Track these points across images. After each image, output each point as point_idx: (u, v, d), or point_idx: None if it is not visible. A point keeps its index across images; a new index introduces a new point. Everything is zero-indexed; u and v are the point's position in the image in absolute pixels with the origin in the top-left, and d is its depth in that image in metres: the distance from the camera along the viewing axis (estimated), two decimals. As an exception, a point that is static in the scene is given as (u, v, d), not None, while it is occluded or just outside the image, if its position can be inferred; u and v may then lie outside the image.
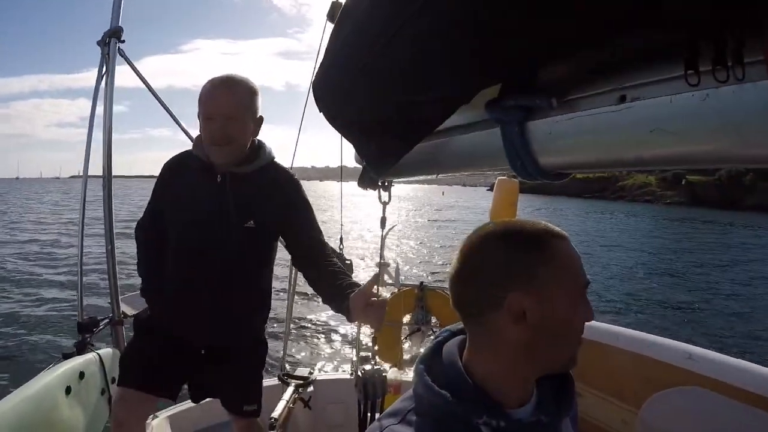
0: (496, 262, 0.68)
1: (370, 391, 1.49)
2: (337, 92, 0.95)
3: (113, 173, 2.14)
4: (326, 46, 0.93)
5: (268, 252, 1.70)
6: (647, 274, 14.17)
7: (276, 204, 1.60)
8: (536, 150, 0.71)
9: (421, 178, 1.11)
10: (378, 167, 0.98)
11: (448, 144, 0.90)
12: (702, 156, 0.54)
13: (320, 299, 1.68)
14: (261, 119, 1.63)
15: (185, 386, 1.78)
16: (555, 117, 0.66)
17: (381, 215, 1.30)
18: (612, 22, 0.53)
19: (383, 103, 0.86)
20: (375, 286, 1.38)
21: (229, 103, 1.50)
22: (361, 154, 1.04)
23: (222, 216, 1.57)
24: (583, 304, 0.71)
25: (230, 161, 1.57)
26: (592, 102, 0.62)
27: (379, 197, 1.26)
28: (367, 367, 1.51)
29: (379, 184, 1.20)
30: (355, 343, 2.96)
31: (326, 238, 1.70)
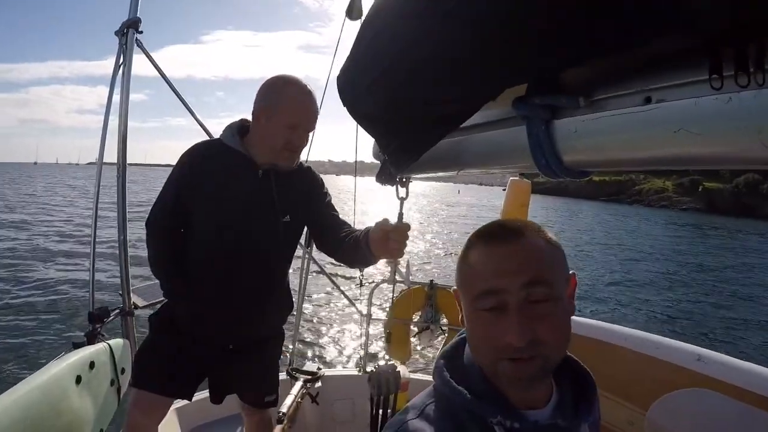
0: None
1: (383, 387, 1.53)
2: (361, 87, 0.98)
3: (131, 161, 2.19)
4: (354, 40, 0.96)
5: (296, 245, 1.75)
6: (660, 279, 14.15)
7: (306, 199, 1.68)
8: (562, 148, 0.74)
9: (440, 175, 1.14)
10: (399, 163, 1.01)
11: (471, 141, 0.93)
12: (723, 156, 0.57)
13: (342, 266, 1.70)
14: None
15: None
16: (581, 116, 0.69)
17: (398, 211, 1.32)
18: (644, 27, 0.56)
19: (408, 100, 0.89)
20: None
21: (314, 116, 1.59)
22: (383, 149, 1.07)
23: (265, 211, 1.59)
24: (477, 318, 0.72)
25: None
26: (618, 102, 0.65)
27: (397, 193, 1.29)
28: (381, 362, 1.54)
29: (398, 180, 1.23)
30: (363, 339, 3.00)
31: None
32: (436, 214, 33.81)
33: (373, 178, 1.27)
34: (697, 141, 0.57)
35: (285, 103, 1.54)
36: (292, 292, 1.85)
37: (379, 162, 1.28)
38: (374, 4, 0.89)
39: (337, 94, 1.06)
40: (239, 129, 1.64)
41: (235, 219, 1.60)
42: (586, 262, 15.94)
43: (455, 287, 0.80)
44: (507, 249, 0.72)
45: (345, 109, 1.05)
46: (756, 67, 0.49)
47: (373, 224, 1.39)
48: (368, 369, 2.92)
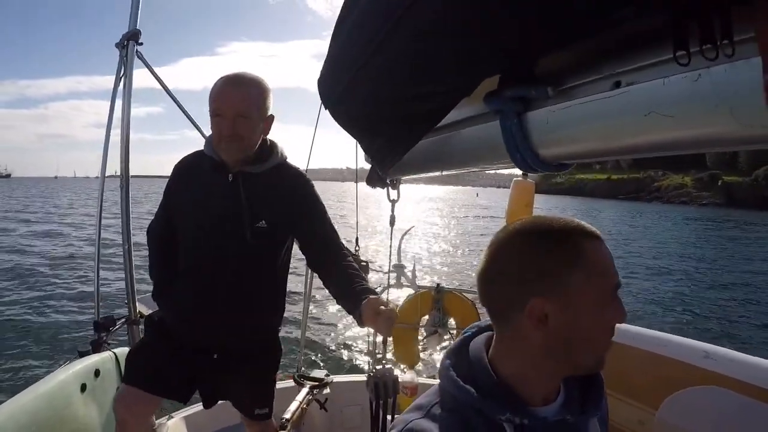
0: (521, 262, 0.67)
1: (381, 390, 1.49)
2: (340, 89, 0.96)
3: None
4: (329, 43, 0.94)
5: (281, 253, 1.70)
6: (676, 276, 13.82)
7: (287, 204, 1.61)
8: (535, 141, 0.71)
9: (425, 175, 1.12)
10: (383, 164, 0.99)
11: (451, 139, 0.90)
12: (698, 139, 0.54)
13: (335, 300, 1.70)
14: (271, 118, 1.62)
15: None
16: (552, 106, 0.67)
17: (390, 213, 1.30)
18: (605, 6, 0.53)
19: (385, 99, 0.88)
20: (386, 296, 1.40)
21: (239, 101, 1.51)
22: (367, 151, 1.05)
23: (234, 216, 1.58)
24: (612, 308, 0.69)
25: (239, 159, 1.58)
26: (587, 89, 0.62)
27: (388, 195, 1.27)
28: (378, 367, 1.51)
29: (388, 182, 1.21)
30: (371, 345, 2.97)
31: (343, 240, 1.72)
32: (452, 217, 33.54)
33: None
34: (669, 124, 0.54)
35: (210, 95, 1.55)
36: (289, 295, 1.81)
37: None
38: (345, 2, 0.87)
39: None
40: None
41: (206, 225, 1.61)
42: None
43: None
44: (601, 243, 0.70)
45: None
46: (723, 38, 0.46)
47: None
48: (371, 372, 2.88)
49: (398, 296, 3.20)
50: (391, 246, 1.52)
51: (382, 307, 1.36)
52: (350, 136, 1.09)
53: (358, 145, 2.44)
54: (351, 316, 1.53)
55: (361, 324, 1.46)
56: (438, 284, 2.92)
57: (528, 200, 2.64)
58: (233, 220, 1.58)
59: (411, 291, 2.96)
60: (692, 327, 8.83)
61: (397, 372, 2.77)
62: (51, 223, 20.95)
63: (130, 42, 2.27)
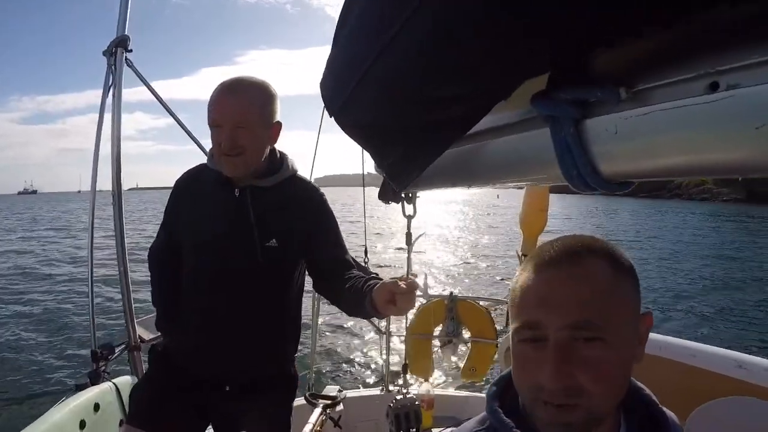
0: None
1: (403, 423, 1.38)
2: (346, 90, 0.84)
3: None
4: (333, 36, 0.82)
5: (295, 274, 1.58)
6: (701, 279, 13.43)
7: (299, 220, 1.49)
8: (598, 154, 0.58)
9: (448, 188, 0.99)
10: (400, 178, 0.86)
11: (483, 149, 0.78)
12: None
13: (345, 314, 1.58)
14: (278, 126, 1.48)
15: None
16: (623, 112, 0.54)
17: (406, 231, 1.18)
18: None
19: (402, 103, 0.75)
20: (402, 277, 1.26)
21: (237, 110, 1.38)
22: (380, 164, 0.93)
23: (242, 234, 1.46)
24: (520, 357, 0.65)
25: (243, 173, 1.46)
26: (672, 92, 0.49)
27: (403, 211, 1.15)
28: (399, 397, 1.40)
29: (403, 196, 1.09)
30: (384, 358, 2.87)
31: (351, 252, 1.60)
32: (469, 221, 32.98)
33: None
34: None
35: (208, 104, 1.41)
36: (301, 322, 1.69)
37: (381, 176, 1.15)
38: None
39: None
40: None
41: (211, 245, 1.50)
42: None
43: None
44: (556, 275, 0.63)
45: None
46: None
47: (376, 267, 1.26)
48: (390, 388, 2.78)
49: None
50: (408, 263, 1.39)
51: (401, 284, 1.21)
52: (361, 147, 0.96)
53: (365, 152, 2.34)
54: (362, 328, 1.42)
55: (378, 315, 1.32)
56: (451, 292, 2.81)
57: (542, 205, 2.53)
58: (241, 239, 1.46)
59: (423, 301, 2.86)
60: (722, 333, 8.61)
61: (414, 388, 2.67)
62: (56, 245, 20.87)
63: (118, 49, 2.15)
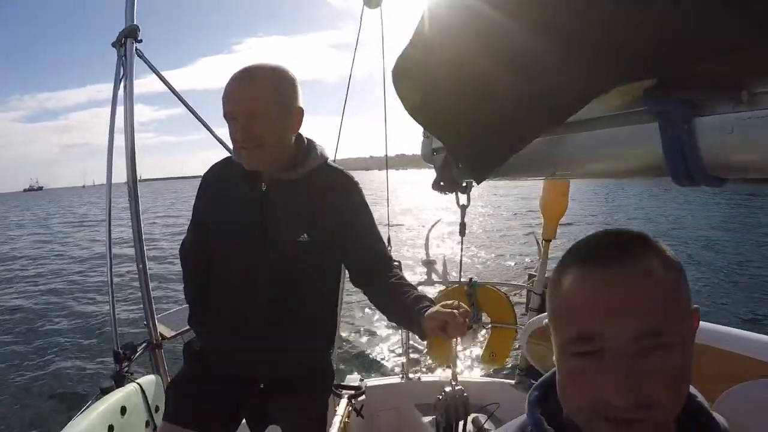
0: None
1: (452, 414, 1.39)
2: (427, 80, 0.83)
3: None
4: (415, 28, 0.81)
5: (328, 267, 1.57)
6: (722, 257, 13.21)
7: (332, 213, 1.46)
8: (710, 151, 0.59)
9: (523, 178, 0.99)
10: (479, 170, 0.85)
11: (575, 140, 0.78)
12: None
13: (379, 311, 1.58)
14: (300, 112, 1.42)
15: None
16: (741, 113, 0.55)
17: (460, 221, 1.18)
18: None
19: (491, 94, 0.75)
20: (454, 302, 1.30)
21: (251, 99, 1.32)
22: (456, 154, 0.92)
23: (271, 230, 1.44)
24: (567, 368, 0.61)
25: (265, 166, 1.42)
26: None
27: (457, 200, 1.15)
28: (448, 389, 1.41)
29: (463, 184, 1.08)
30: (403, 344, 2.89)
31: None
32: (490, 206, 32.41)
33: (416, 170, 1.13)
34: None
35: (222, 96, 1.37)
36: (338, 318, 1.69)
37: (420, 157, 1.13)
38: None
39: (379, 89, 0.90)
40: None
41: (240, 241, 1.48)
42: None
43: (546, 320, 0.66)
44: (612, 277, 0.58)
45: (403, 108, 0.90)
46: None
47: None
48: (410, 375, 2.81)
49: (429, 293, 3.06)
50: (461, 259, 1.40)
51: (454, 311, 1.28)
52: (434, 136, 0.95)
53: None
54: (380, 318, 1.44)
55: (423, 337, 1.39)
56: (471, 278, 2.83)
57: (563, 189, 2.54)
58: (271, 235, 1.44)
59: (442, 287, 2.87)
60: (749, 314, 8.48)
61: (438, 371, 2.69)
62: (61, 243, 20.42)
63: (128, 40, 2.10)
